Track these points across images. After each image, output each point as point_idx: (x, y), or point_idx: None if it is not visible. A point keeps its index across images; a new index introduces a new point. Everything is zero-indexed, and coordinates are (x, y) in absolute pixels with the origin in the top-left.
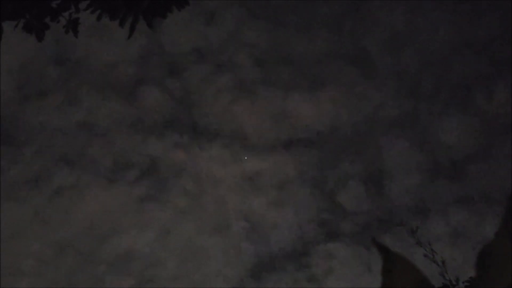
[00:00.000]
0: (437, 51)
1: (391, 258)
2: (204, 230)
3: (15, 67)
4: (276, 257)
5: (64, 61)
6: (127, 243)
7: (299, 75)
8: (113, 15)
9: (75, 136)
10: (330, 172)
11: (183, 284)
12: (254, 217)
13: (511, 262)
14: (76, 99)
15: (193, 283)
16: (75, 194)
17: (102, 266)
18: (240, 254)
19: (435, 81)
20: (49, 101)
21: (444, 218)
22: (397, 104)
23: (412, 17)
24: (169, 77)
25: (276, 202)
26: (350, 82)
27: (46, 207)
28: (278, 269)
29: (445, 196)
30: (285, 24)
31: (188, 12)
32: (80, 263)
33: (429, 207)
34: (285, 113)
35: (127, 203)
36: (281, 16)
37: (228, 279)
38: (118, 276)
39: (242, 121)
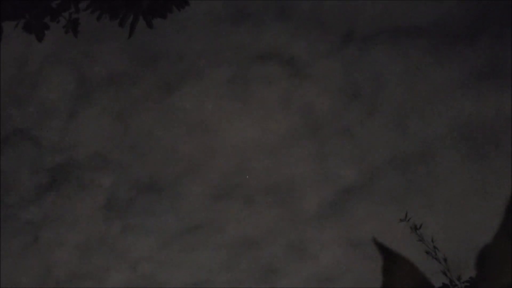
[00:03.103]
0: None
1: (391, 257)
2: (293, 136)
3: None
4: (375, 173)
5: None
6: (213, 141)
7: None
8: (113, 15)
9: (163, 33)
10: (441, 68)
11: (266, 198)
12: (350, 125)
13: (511, 262)
14: None
15: (279, 198)
16: (160, 95)
17: (183, 164)
18: (334, 168)
19: None
20: None
21: None
22: None
23: None
24: None
25: (376, 107)
26: None
27: (128, 110)
28: (375, 187)
29: None
30: None
31: None
32: (161, 163)
33: None
34: (390, 3)
35: (217, 101)
36: None
37: (319, 198)
38: (199, 174)
39: (341, 11)
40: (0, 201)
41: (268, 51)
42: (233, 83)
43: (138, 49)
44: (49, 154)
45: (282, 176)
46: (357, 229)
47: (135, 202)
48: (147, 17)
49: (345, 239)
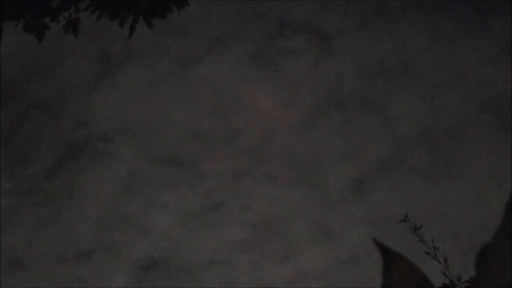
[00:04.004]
0: None
1: (392, 257)
2: (318, 112)
3: None
4: (403, 151)
5: None
6: (237, 117)
7: None
8: (113, 15)
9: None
10: (472, 42)
11: (290, 176)
12: (377, 101)
13: (511, 262)
14: None
15: (303, 175)
16: (182, 70)
17: (206, 140)
18: (361, 145)
19: None
20: None
21: None
22: None
23: None
24: None
25: (405, 82)
26: None
27: (150, 85)
28: (403, 165)
29: None
30: None
31: None
32: (183, 139)
33: None
34: None
35: (240, 76)
36: None
37: (345, 176)
38: (222, 151)
39: None
40: (20, 174)
41: (294, 24)
42: (257, 57)
43: (160, 22)
44: (69, 128)
45: (307, 153)
46: (383, 208)
47: (156, 178)
48: (147, 17)
49: (371, 218)
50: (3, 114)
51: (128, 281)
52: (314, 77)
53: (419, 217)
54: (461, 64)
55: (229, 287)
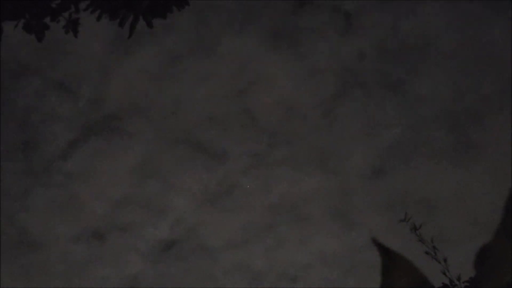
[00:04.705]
0: None
1: (391, 257)
2: (339, 93)
3: None
4: (423, 132)
5: None
6: (255, 99)
7: None
8: (113, 15)
9: None
10: (496, 22)
11: (309, 158)
12: (397, 81)
13: (511, 262)
14: None
15: (322, 157)
16: (201, 49)
17: (223, 123)
18: (381, 126)
19: None
20: None
21: None
22: None
23: None
24: None
25: (426, 64)
26: None
27: (167, 66)
28: (423, 146)
29: None
30: None
31: None
32: (201, 121)
33: None
34: None
35: (259, 56)
36: None
37: (365, 158)
38: (239, 134)
39: None
40: (35, 154)
41: (315, 1)
42: (276, 36)
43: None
44: (85, 108)
45: (326, 135)
46: (403, 192)
47: (172, 160)
48: (147, 17)
49: (391, 203)
50: (18, 94)
51: (143, 263)
52: (335, 57)
53: (439, 202)
54: (484, 44)
55: (245, 271)
